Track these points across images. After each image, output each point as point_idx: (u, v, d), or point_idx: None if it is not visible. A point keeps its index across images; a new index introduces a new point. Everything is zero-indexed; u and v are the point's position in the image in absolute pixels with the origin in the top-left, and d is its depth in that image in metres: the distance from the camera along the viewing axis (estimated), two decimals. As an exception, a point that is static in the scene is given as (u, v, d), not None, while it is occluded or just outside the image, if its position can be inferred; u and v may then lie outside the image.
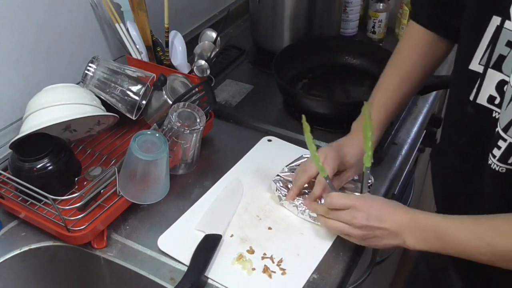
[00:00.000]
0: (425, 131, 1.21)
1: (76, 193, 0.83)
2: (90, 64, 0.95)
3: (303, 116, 0.80)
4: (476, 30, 0.66)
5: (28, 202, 0.83)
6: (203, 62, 1.01)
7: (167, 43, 1.10)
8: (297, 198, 0.86)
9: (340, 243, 0.81)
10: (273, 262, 0.78)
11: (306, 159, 0.92)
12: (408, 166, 1.07)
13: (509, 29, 0.61)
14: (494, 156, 0.65)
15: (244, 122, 1.11)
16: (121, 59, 1.11)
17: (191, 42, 1.14)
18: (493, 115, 0.65)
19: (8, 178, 0.83)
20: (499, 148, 0.64)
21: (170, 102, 0.94)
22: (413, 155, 1.12)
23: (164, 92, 0.95)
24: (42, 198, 0.78)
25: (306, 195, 0.86)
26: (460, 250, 0.67)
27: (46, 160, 0.83)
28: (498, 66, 0.64)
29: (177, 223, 0.86)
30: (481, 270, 0.68)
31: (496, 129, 0.64)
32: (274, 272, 0.77)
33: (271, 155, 1.00)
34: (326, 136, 1.02)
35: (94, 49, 1.10)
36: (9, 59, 0.93)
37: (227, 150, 1.04)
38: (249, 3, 1.34)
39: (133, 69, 0.98)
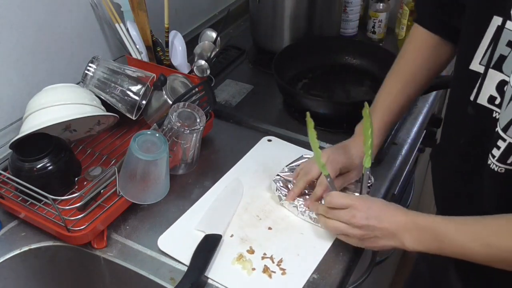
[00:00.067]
0: (425, 131, 1.20)
1: (76, 193, 0.83)
2: (90, 64, 0.95)
3: (308, 113, 0.80)
4: (477, 30, 0.66)
5: (28, 202, 0.83)
6: (203, 62, 1.01)
7: (167, 43, 1.10)
8: (298, 198, 0.86)
9: (340, 243, 0.81)
10: (273, 262, 0.78)
11: (306, 159, 0.92)
12: (408, 166, 1.07)
13: (510, 30, 0.61)
14: (493, 156, 0.65)
15: (244, 122, 1.11)
16: (121, 59, 1.11)
17: (191, 42, 1.14)
18: (494, 115, 0.65)
19: (8, 178, 0.83)
20: (498, 148, 0.64)
21: (170, 102, 0.94)
22: (413, 155, 1.12)
23: (164, 92, 0.95)
24: (42, 198, 0.78)
25: (307, 196, 0.86)
26: (458, 251, 0.67)
27: (46, 160, 0.83)
28: (498, 66, 0.64)
29: (177, 223, 0.86)
30: (481, 271, 0.68)
31: (496, 129, 0.64)
32: (274, 272, 0.77)
33: (271, 155, 1.00)
34: (326, 136, 1.02)
35: (94, 49, 1.10)
36: (9, 59, 0.93)
37: (227, 150, 1.04)
38: (249, 3, 1.34)
39: (133, 69, 0.98)
